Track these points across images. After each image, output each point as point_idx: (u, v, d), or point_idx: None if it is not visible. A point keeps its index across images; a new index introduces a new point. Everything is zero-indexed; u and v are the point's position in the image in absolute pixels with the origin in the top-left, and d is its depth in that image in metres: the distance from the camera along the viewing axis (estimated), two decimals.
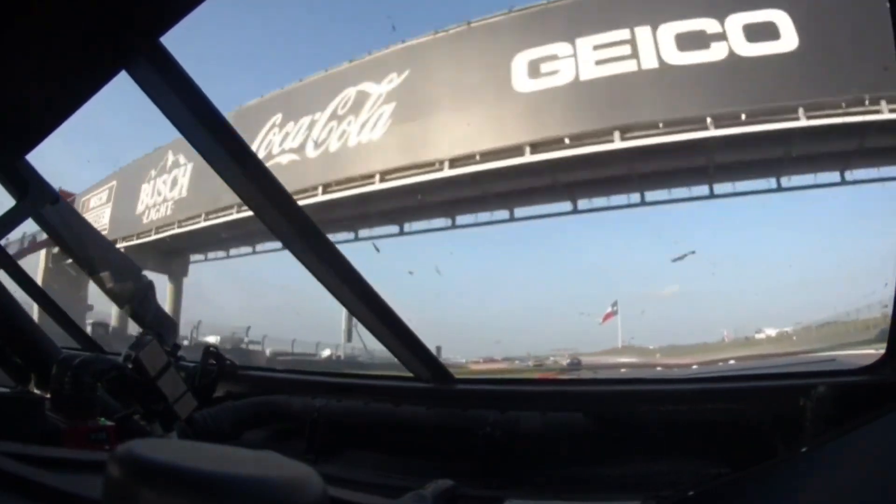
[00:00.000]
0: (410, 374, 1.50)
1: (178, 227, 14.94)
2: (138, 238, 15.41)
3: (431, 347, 1.48)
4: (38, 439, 1.00)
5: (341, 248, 1.36)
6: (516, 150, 11.65)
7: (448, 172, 11.97)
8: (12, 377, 1.38)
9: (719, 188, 11.21)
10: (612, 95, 11.03)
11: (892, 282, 1.01)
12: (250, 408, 1.55)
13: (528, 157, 11.53)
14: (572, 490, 1.18)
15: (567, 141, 11.31)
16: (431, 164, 12.12)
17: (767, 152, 10.25)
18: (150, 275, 1.53)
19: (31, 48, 0.93)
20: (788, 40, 9.66)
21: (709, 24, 10.35)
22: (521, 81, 11.91)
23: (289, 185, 1.36)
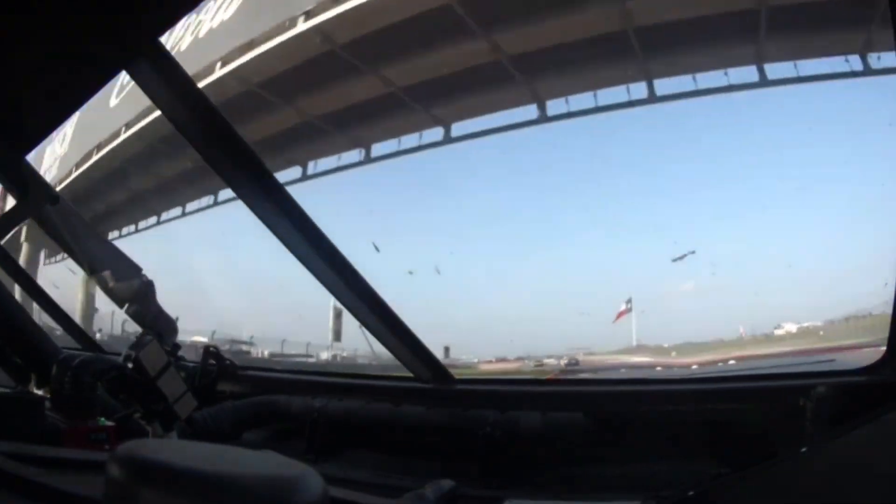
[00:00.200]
0: (410, 375, 1.50)
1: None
2: None
3: (440, 347, 1.48)
4: (38, 439, 1.00)
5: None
6: None
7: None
8: (12, 377, 1.38)
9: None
10: None
11: (893, 282, 1.01)
12: (250, 408, 1.55)
13: None
14: (572, 490, 1.18)
15: None
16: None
17: None
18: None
19: (31, 48, 0.93)
20: None
21: None
22: None
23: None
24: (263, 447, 1.23)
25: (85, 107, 1.10)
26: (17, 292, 1.69)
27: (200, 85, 1.16)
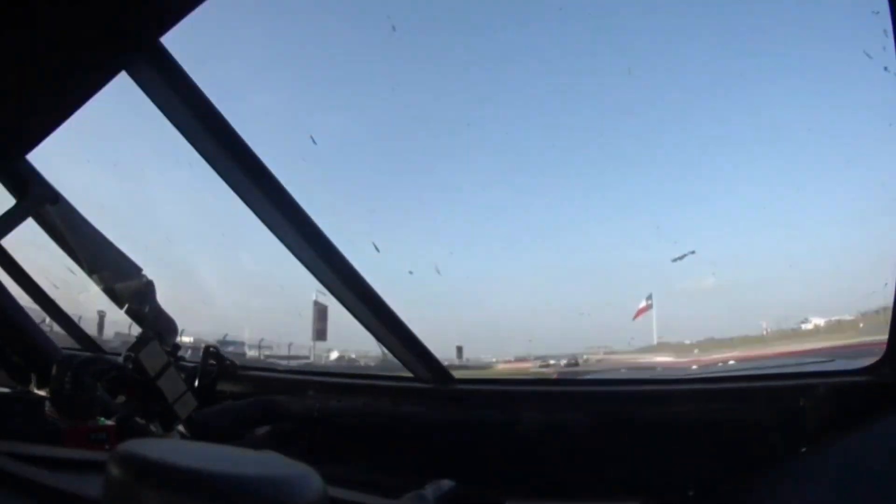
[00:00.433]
0: (410, 374, 1.50)
1: None
2: None
3: (452, 347, 1.48)
4: (38, 439, 0.99)
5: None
6: None
7: None
8: (12, 377, 1.38)
9: None
10: None
11: (892, 282, 1.01)
12: (250, 408, 1.55)
13: None
14: (572, 490, 1.18)
15: None
16: None
17: None
18: None
19: (31, 49, 0.93)
20: None
21: None
22: None
23: None
24: (263, 447, 1.23)
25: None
26: (17, 292, 1.69)
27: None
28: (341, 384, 1.65)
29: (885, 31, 0.93)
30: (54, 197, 1.49)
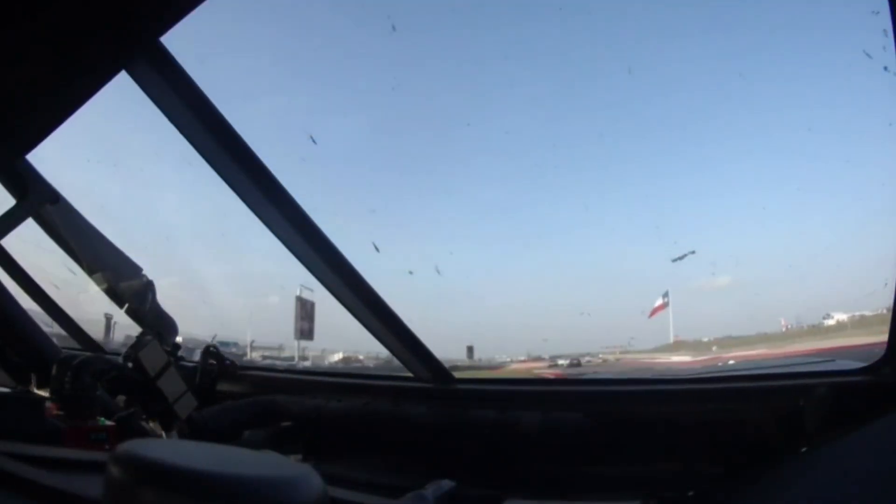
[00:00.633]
0: (410, 374, 1.50)
1: None
2: None
3: (463, 347, 1.48)
4: (38, 439, 0.99)
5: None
6: None
7: None
8: (12, 377, 1.38)
9: None
10: None
11: (892, 282, 1.01)
12: (250, 408, 1.55)
13: None
14: (572, 490, 1.18)
15: None
16: None
17: None
18: None
19: (31, 48, 0.93)
20: None
21: None
22: None
23: None
24: (263, 447, 1.23)
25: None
26: (18, 292, 1.69)
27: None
28: (341, 384, 1.65)
29: (885, 30, 0.93)
30: (54, 197, 1.49)
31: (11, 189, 1.44)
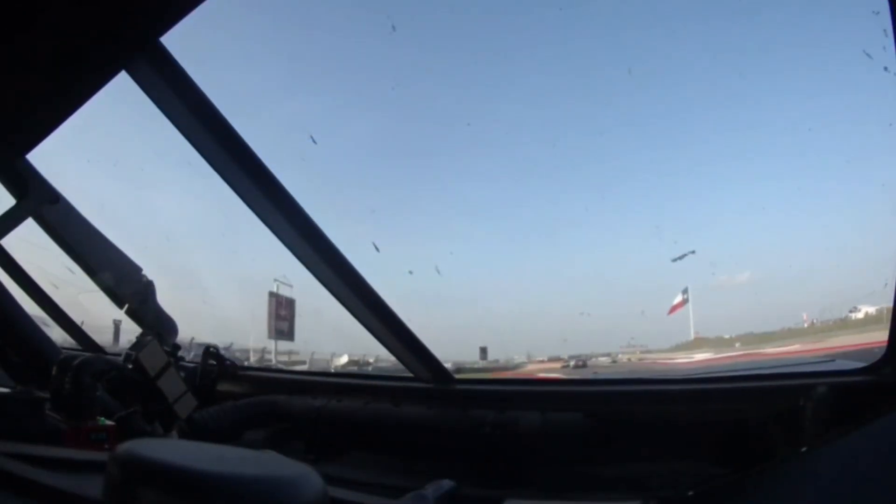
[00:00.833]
0: (410, 374, 1.50)
1: None
2: None
3: (475, 348, 1.48)
4: (38, 439, 0.99)
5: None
6: None
7: None
8: (12, 377, 1.38)
9: None
10: None
11: (892, 282, 1.01)
12: (250, 408, 1.55)
13: None
14: (572, 490, 1.18)
15: None
16: None
17: None
18: None
19: (31, 49, 0.93)
20: None
21: None
22: None
23: None
24: (263, 447, 1.23)
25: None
26: (18, 292, 1.69)
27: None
28: (341, 384, 1.65)
29: (885, 30, 0.93)
30: (54, 197, 1.49)
31: (11, 189, 1.44)
